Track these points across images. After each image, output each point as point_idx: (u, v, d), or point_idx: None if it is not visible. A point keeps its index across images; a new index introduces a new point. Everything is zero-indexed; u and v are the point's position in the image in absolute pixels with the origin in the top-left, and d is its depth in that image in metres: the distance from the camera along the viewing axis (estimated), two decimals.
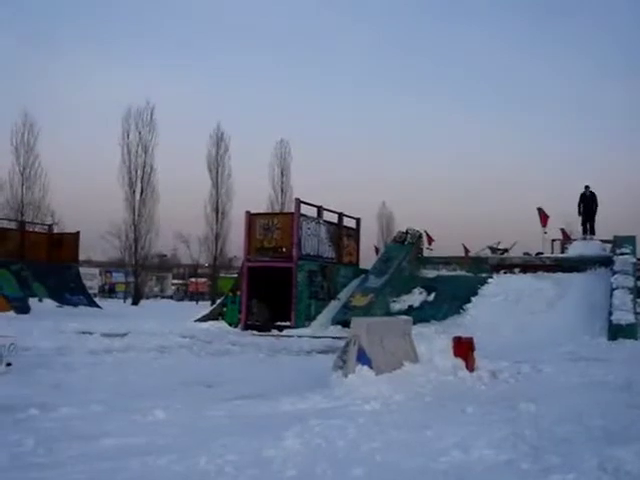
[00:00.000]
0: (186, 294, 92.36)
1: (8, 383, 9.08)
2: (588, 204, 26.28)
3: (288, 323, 22.44)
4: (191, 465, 5.04)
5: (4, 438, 5.78)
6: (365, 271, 25.67)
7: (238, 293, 23.88)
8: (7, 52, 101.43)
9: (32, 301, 30.96)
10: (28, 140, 61.55)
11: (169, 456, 5.25)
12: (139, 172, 61.31)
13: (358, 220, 27.93)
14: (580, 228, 27.72)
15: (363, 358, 9.08)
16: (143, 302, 59.68)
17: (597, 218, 26.48)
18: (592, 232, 26.36)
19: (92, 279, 72.85)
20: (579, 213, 26.44)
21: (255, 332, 21.14)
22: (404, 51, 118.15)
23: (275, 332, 21.29)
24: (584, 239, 26.30)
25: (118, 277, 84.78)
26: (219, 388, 9.14)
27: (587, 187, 26.28)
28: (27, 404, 7.19)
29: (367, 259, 29.17)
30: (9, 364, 10.21)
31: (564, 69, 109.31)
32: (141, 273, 65.09)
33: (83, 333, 17.82)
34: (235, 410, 7.35)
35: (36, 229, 40.69)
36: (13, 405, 7.24)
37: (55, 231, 41.06)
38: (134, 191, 60.42)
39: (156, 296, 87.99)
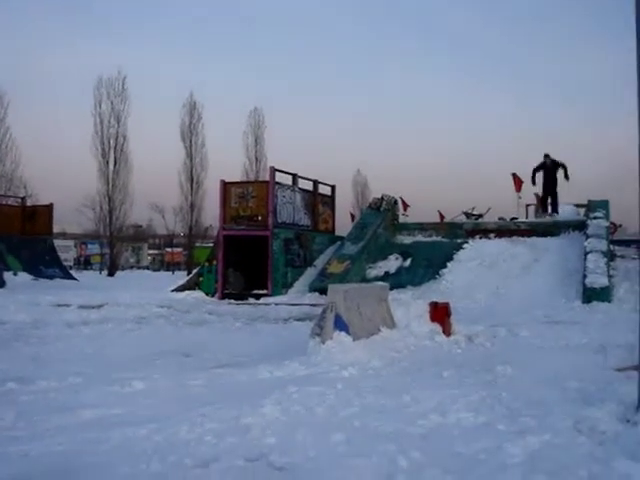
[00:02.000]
0: (162, 264, 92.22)
1: None
2: (549, 175, 23.99)
3: (265, 291, 22.48)
4: (171, 435, 5.06)
5: None
6: (341, 238, 25.71)
7: (214, 262, 23.84)
8: None
9: (7, 275, 30.70)
10: None
11: (149, 426, 5.26)
12: (112, 142, 60.86)
13: (333, 187, 27.92)
14: (535, 205, 26.83)
15: (340, 324, 9.12)
16: (119, 273, 59.52)
17: (565, 187, 24.55)
18: (554, 209, 24.40)
19: (67, 251, 72.42)
20: (533, 183, 24.41)
21: (232, 301, 21.16)
22: (378, 15, 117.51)
23: (252, 300, 21.32)
24: (542, 217, 25.01)
25: (93, 249, 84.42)
26: (197, 357, 9.17)
27: (547, 156, 23.91)
28: (4, 378, 7.18)
29: (343, 226, 29.21)
30: None
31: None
32: (116, 244, 64.75)
33: (59, 306, 17.74)
34: (213, 379, 7.37)
35: (9, 202, 40.28)
36: None
37: (28, 204, 40.69)
38: (107, 162, 60.00)
39: (132, 267, 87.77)
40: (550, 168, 23.83)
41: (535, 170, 23.98)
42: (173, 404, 6.08)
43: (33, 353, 9.39)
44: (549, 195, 24.24)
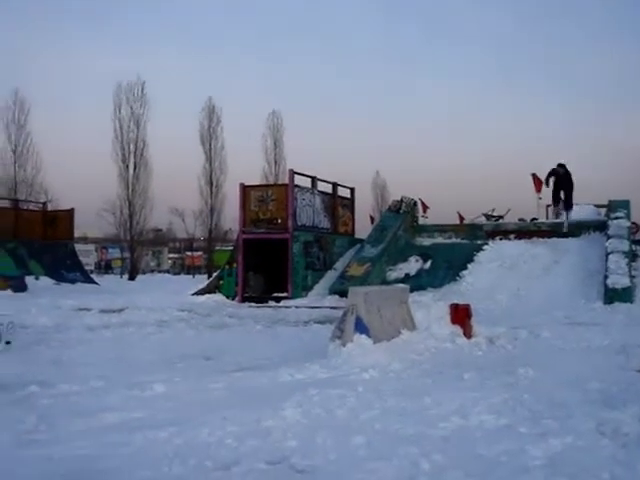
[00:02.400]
0: (182, 268, 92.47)
1: (7, 361, 9.10)
2: (561, 183, 24.00)
3: (285, 294, 22.48)
4: (192, 438, 5.08)
5: (6, 416, 5.80)
6: (361, 240, 25.68)
7: (234, 265, 23.89)
8: None
9: (29, 279, 30.92)
10: (19, 118, 61.33)
11: (170, 429, 5.28)
12: (132, 147, 61.13)
13: (352, 190, 27.90)
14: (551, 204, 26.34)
15: (361, 327, 9.11)
16: (140, 277, 59.77)
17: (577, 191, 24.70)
18: (568, 207, 24.21)
19: (88, 255, 72.75)
20: (546, 184, 24.12)
21: (252, 304, 21.19)
22: (394, 18, 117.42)
23: (272, 303, 21.35)
24: (558, 214, 25.13)
25: (114, 253, 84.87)
26: (218, 361, 9.17)
27: (561, 165, 23.77)
28: (27, 381, 7.22)
29: (362, 229, 29.18)
30: (8, 342, 10.23)
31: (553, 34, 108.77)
32: (137, 248, 65.08)
33: (80, 309, 17.84)
34: (234, 382, 7.38)
35: (30, 207, 40.54)
36: (13, 383, 7.27)
37: (49, 209, 40.92)
38: (127, 166, 60.26)
39: (152, 271, 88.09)
40: (562, 176, 23.77)
41: (549, 175, 23.88)
42: (194, 407, 6.09)
43: (55, 357, 9.44)
44: (562, 194, 24.09)
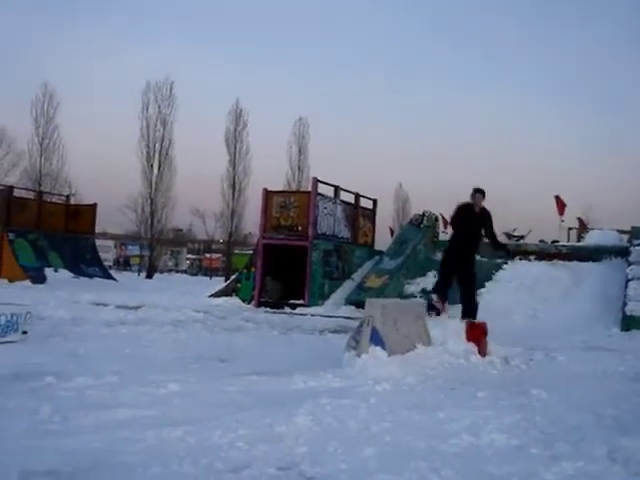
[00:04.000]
0: (200, 269, 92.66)
1: (24, 351, 9.18)
2: (473, 231, 12.42)
3: (301, 301, 22.49)
4: (204, 438, 5.10)
5: (21, 405, 5.86)
6: (380, 252, 25.67)
7: (252, 270, 23.94)
8: (27, 23, 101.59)
9: (48, 271, 31.15)
10: (47, 111, 61.86)
11: (183, 428, 5.31)
12: (157, 146, 61.46)
13: (375, 201, 27.90)
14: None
15: (376, 339, 9.11)
16: (157, 276, 59.96)
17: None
18: (469, 313, 11.85)
19: (107, 251, 73.04)
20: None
21: (268, 309, 21.21)
22: (424, 27, 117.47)
23: (288, 310, 21.36)
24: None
25: (133, 250, 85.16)
26: (233, 363, 9.20)
27: (480, 191, 12.23)
28: (43, 372, 7.28)
29: (382, 241, 29.16)
30: (25, 332, 10.31)
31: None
32: (156, 247, 65.35)
33: (98, 304, 17.94)
34: (248, 386, 7.40)
35: (53, 200, 40.82)
36: (29, 373, 7.33)
37: (72, 202, 41.19)
38: (152, 165, 60.61)
39: (170, 270, 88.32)
40: (477, 219, 12.33)
41: (455, 217, 12.54)
42: (207, 408, 6.12)
43: (71, 350, 9.50)
44: (459, 275, 12.37)
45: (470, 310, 11.99)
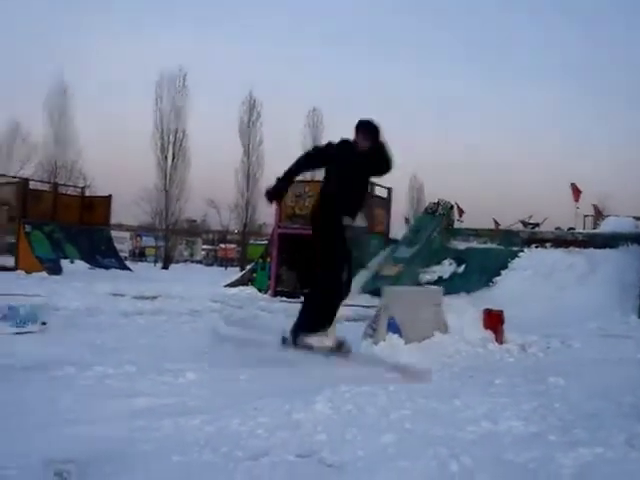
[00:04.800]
0: (215, 259, 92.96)
1: (43, 341, 9.23)
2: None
3: None
4: (223, 426, 5.12)
5: (41, 394, 5.91)
6: (395, 241, 25.64)
7: (268, 260, 23.99)
8: (41, 15, 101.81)
9: (64, 262, 31.32)
10: (62, 103, 62.15)
11: (201, 417, 5.33)
12: (171, 137, 61.70)
13: (389, 190, 27.83)
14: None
15: (393, 327, 9.13)
16: (173, 266, 60.21)
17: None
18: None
19: (123, 242, 73.48)
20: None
21: (284, 298, 21.25)
22: (435, 17, 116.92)
23: (304, 299, 21.33)
24: None
25: (148, 241, 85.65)
26: (250, 352, 9.20)
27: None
28: (62, 362, 7.32)
29: (397, 230, 29.10)
30: (44, 323, 10.38)
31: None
32: (171, 237, 65.59)
33: (114, 295, 18.01)
34: (266, 374, 7.43)
35: (69, 191, 41.03)
36: (49, 362, 7.37)
37: (87, 194, 41.38)
38: (166, 156, 60.89)
39: (186, 260, 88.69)
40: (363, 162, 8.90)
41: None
42: (226, 397, 6.14)
43: (89, 340, 9.54)
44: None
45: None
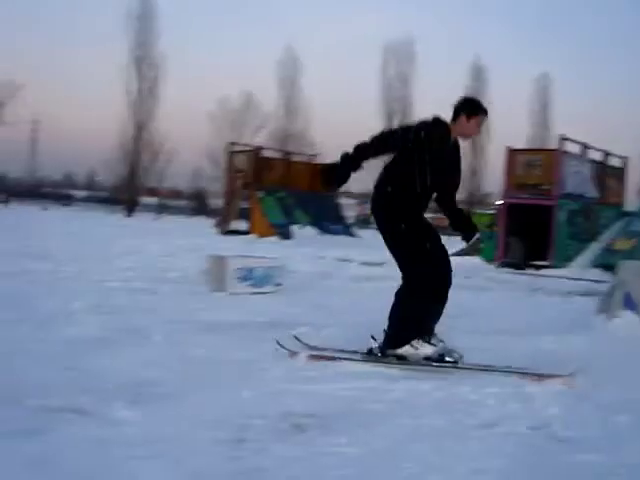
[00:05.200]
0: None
1: (278, 302, 9.71)
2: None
3: (546, 263, 21.91)
4: (453, 394, 5.17)
5: (280, 351, 6.19)
6: (630, 214, 24.38)
7: (495, 229, 23.62)
8: None
9: (294, 228, 32.50)
10: (292, 74, 64.27)
11: (431, 383, 5.40)
12: (397, 106, 62.03)
13: (625, 159, 26.47)
14: None
15: (630, 303, 8.74)
16: None
17: None
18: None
19: (348, 209, 74.98)
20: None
21: (511, 270, 20.86)
22: None
23: (531, 271, 20.89)
24: None
25: None
26: (477, 322, 9.12)
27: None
28: (297, 322, 7.66)
29: (634, 201, 27.69)
30: (279, 284, 10.88)
31: None
32: None
33: (343, 260, 18.50)
34: (497, 345, 7.33)
35: (299, 159, 42.37)
36: (284, 322, 7.75)
37: (316, 162, 42.55)
38: (392, 124, 61.27)
39: None
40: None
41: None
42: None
43: (321, 302, 9.89)
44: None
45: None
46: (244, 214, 36.41)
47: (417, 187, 6.19)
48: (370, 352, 6.25)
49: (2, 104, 67.98)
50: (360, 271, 15.49)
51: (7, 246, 15.68)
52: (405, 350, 6.14)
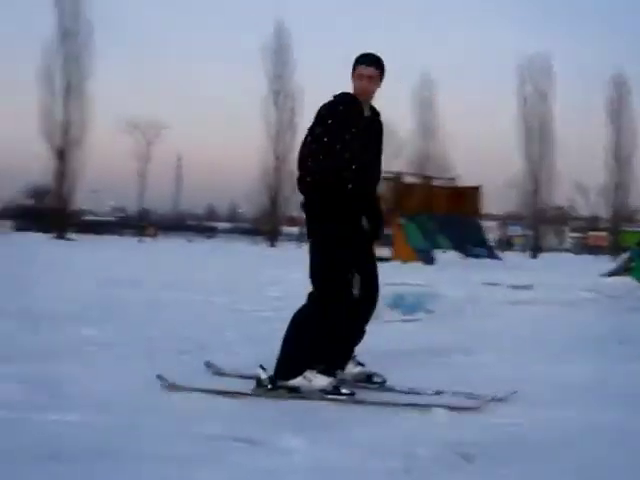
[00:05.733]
0: (584, 248, 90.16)
1: (430, 328, 9.81)
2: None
3: None
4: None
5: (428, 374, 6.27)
6: None
7: None
8: None
9: (436, 252, 32.47)
10: (427, 96, 64.39)
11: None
12: (536, 122, 60.99)
13: None
14: None
15: None
16: (541, 255, 59.43)
17: None
18: None
19: (490, 231, 74.15)
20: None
21: None
22: None
23: None
24: None
25: (514, 230, 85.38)
26: (633, 346, 8.88)
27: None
28: (450, 348, 7.75)
29: None
30: (430, 311, 11.01)
31: None
32: (539, 226, 64.88)
33: (488, 284, 18.37)
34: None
35: (438, 183, 42.30)
36: (438, 349, 7.83)
37: (456, 184, 42.34)
38: (531, 142, 60.42)
39: (553, 249, 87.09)
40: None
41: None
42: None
43: (471, 327, 9.95)
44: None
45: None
46: (386, 240, 36.65)
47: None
48: (259, 384, 5.44)
49: (149, 143, 71.30)
50: (509, 294, 15.37)
51: (166, 278, 16.57)
52: (297, 382, 5.47)
